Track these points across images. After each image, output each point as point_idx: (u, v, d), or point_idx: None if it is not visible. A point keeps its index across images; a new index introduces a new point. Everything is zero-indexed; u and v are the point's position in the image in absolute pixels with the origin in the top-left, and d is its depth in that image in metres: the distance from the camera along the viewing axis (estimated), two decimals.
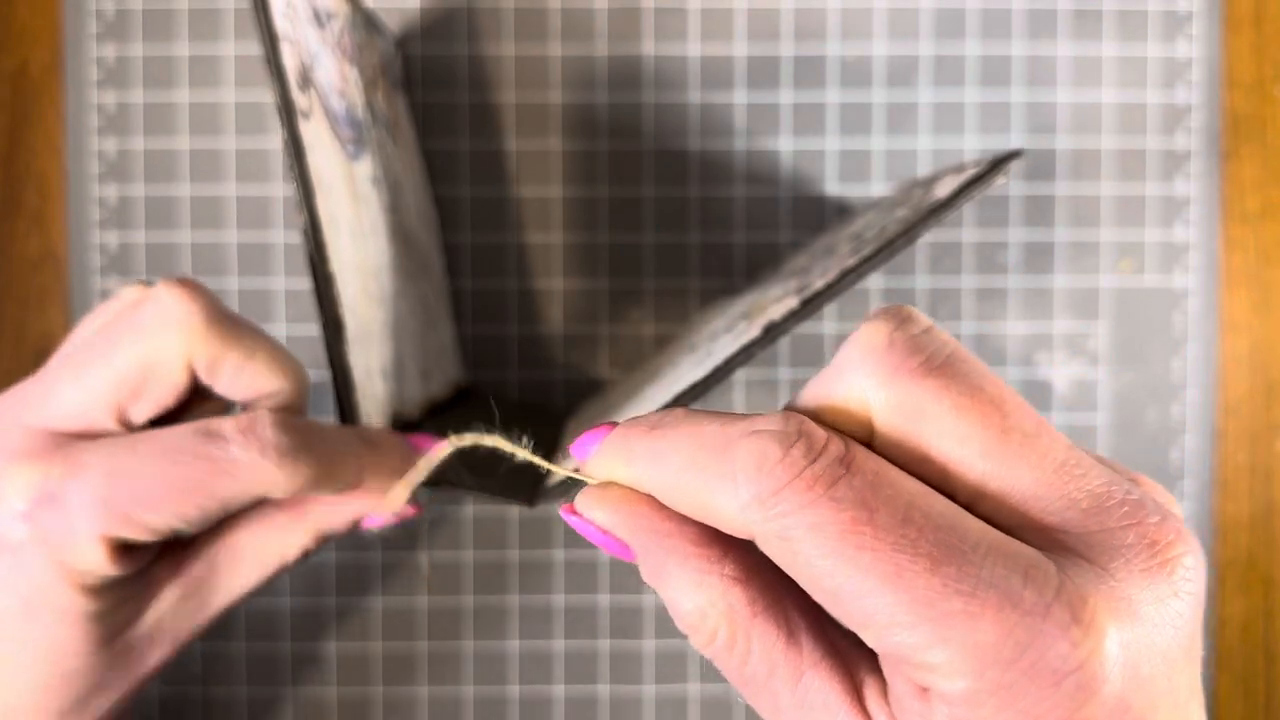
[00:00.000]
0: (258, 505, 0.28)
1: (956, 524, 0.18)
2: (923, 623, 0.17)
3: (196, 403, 0.30)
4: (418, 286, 0.39)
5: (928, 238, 0.47)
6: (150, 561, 0.28)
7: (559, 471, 0.25)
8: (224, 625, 0.47)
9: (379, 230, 0.35)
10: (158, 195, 0.46)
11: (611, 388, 0.45)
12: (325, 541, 0.30)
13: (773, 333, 0.28)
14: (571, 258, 0.47)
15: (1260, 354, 0.47)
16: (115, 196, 0.46)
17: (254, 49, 0.46)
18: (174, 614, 0.29)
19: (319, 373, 0.46)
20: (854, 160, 0.46)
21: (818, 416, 0.20)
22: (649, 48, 0.46)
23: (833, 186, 0.46)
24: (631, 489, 0.21)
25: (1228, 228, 0.47)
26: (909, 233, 0.29)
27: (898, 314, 0.21)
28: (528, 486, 0.33)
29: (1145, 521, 0.18)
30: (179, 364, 0.27)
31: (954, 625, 0.17)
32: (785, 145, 0.46)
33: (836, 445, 0.19)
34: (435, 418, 0.37)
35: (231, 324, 0.29)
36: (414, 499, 0.30)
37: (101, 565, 0.26)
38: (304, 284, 0.46)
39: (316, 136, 0.30)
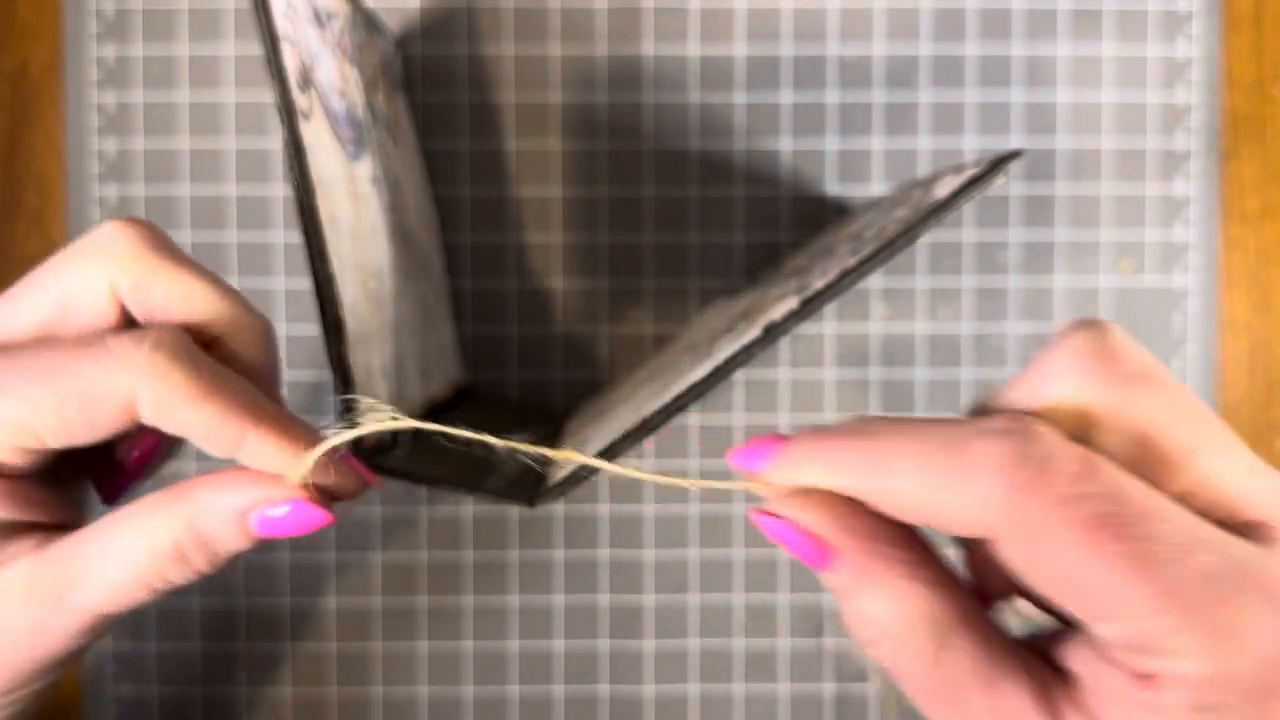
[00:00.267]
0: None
1: (1186, 517, 0.20)
2: (1170, 610, 0.18)
3: None
4: (418, 287, 0.39)
5: (927, 238, 0.47)
6: (10, 526, 0.25)
7: (615, 470, 0.25)
8: (225, 627, 0.47)
9: (379, 230, 0.35)
10: (158, 195, 0.46)
11: (611, 388, 0.45)
12: (211, 550, 0.25)
13: (773, 333, 0.28)
14: (571, 258, 0.47)
15: (1260, 354, 0.47)
16: (115, 196, 0.46)
17: (254, 49, 0.46)
18: (27, 600, 0.24)
19: (320, 373, 0.46)
20: (854, 160, 0.47)
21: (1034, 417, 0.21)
22: (649, 48, 0.46)
23: (832, 187, 0.47)
24: (832, 494, 0.21)
25: (1227, 228, 0.47)
26: (909, 233, 0.29)
27: (1100, 324, 0.22)
28: (528, 487, 0.33)
29: None
30: (101, 287, 0.26)
31: (1202, 610, 0.18)
32: (785, 145, 0.46)
33: (1076, 444, 0.20)
34: (436, 418, 0.37)
35: (168, 254, 0.26)
36: (324, 500, 0.25)
37: None
38: (304, 284, 0.46)
39: (317, 137, 0.30)
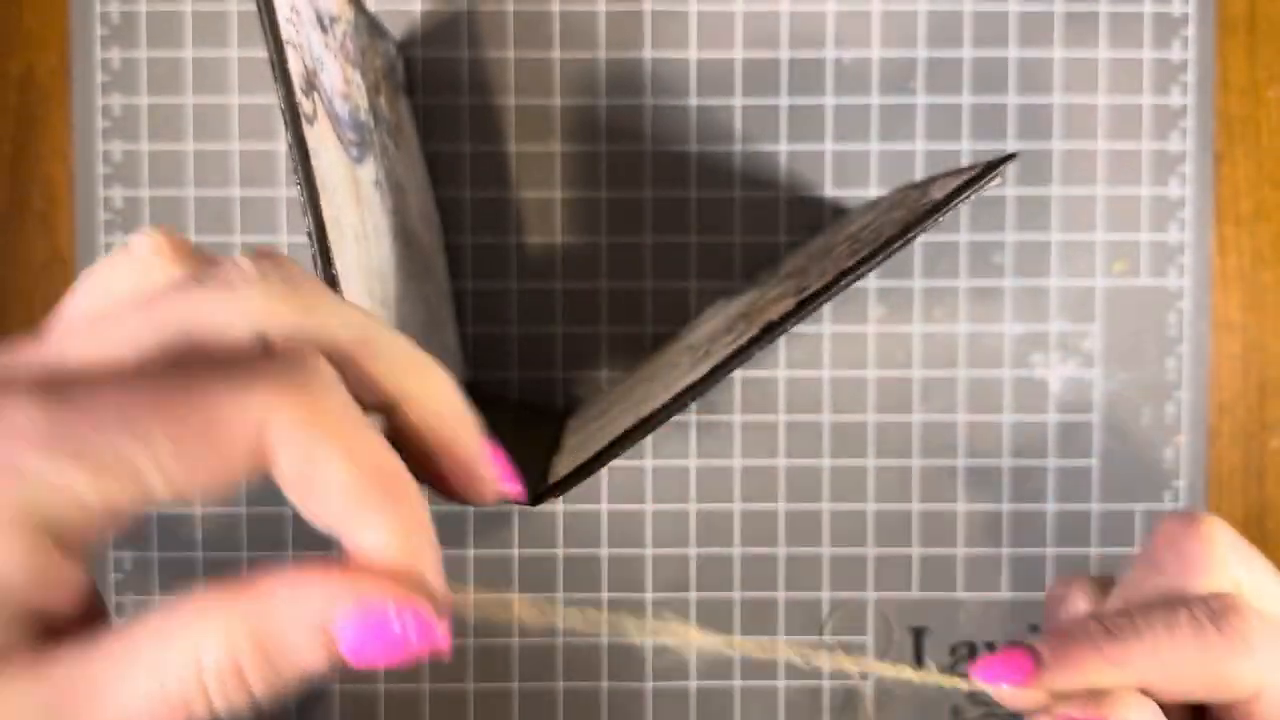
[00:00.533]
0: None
1: None
2: None
3: None
4: (421, 288, 0.40)
5: (924, 239, 0.47)
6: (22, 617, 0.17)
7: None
8: None
9: (382, 232, 0.35)
10: (163, 197, 0.46)
11: (611, 387, 0.46)
12: (275, 669, 0.17)
13: (771, 333, 0.29)
14: (572, 258, 0.47)
15: (1254, 354, 0.48)
16: (121, 199, 0.46)
17: (258, 52, 0.46)
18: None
19: None
20: (851, 163, 0.47)
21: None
22: (648, 52, 0.47)
23: (830, 189, 0.47)
24: (1124, 688, 0.24)
25: (1221, 229, 0.47)
26: (905, 234, 0.29)
27: (1213, 518, 0.26)
28: (529, 484, 0.33)
29: None
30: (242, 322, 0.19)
31: None
32: (783, 148, 0.47)
33: None
34: None
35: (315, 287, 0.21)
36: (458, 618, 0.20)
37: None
38: None
39: (321, 140, 0.30)
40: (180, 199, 0.46)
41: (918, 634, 0.48)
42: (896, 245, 0.29)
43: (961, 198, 0.30)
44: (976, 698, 0.48)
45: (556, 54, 0.47)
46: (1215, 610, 0.23)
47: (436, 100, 0.47)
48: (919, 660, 0.48)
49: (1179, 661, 0.23)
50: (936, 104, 0.47)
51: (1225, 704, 0.24)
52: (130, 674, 0.16)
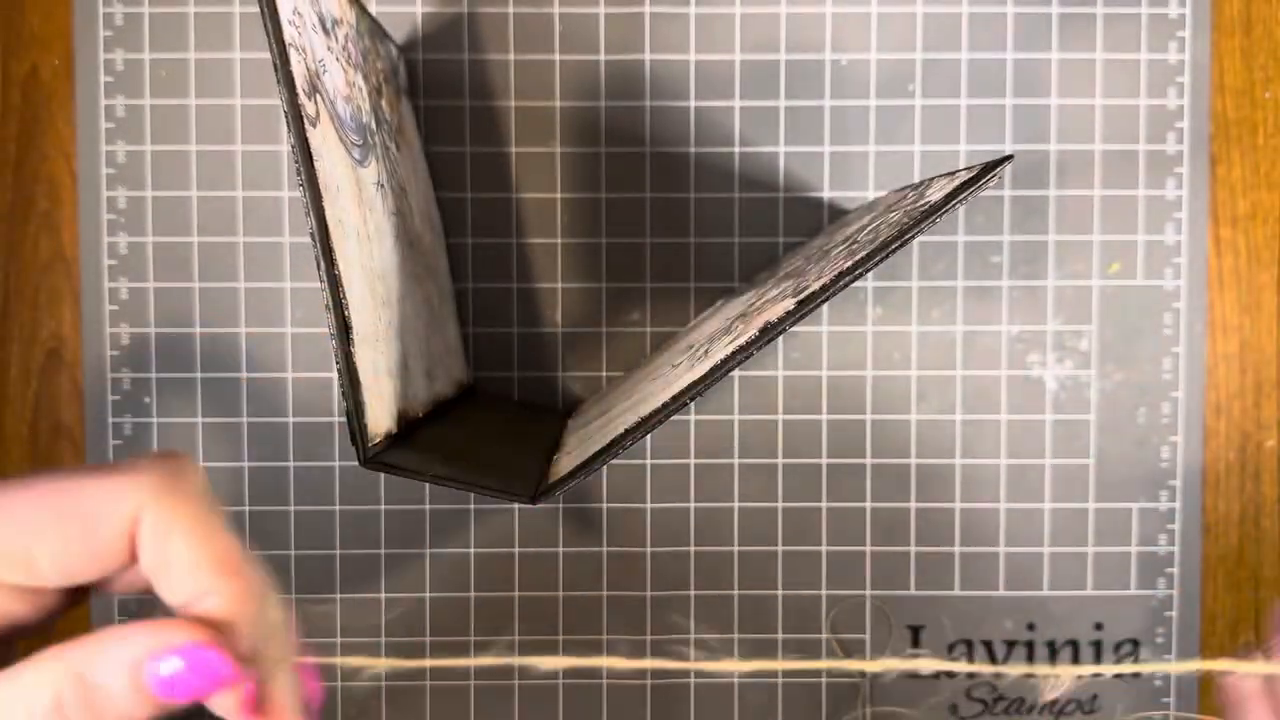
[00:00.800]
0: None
1: None
2: None
3: None
4: (423, 288, 0.40)
5: (921, 239, 0.47)
6: None
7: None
8: None
9: (384, 233, 0.35)
10: (167, 198, 0.47)
11: (612, 387, 0.46)
12: (96, 712, 0.20)
13: (770, 333, 0.29)
14: (572, 259, 0.47)
15: (1249, 354, 0.48)
16: (125, 200, 0.47)
17: (261, 54, 0.47)
18: None
19: (327, 373, 0.47)
20: (849, 164, 0.47)
21: None
22: (648, 54, 0.47)
23: (828, 190, 0.47)
24: None
25: (1217, 230, 0.48)
26: (903, 235, 0.29)
27: None
28: (529, 483, 0.34)
29: None
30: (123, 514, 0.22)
31: None
32: (781, 149, 0.47)
33: None
34: (439, 416, 0.38)
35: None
36: (240, 662, 0.21)
37: None
38: (311, 285, 0.47)
39: (324, 142, 0.31)
40: (183, 199, 0.47)
41: (915, 631, 0.48)
42: (894, 246, 0.29)
43: (959, 199, 0.30)
44: (974, 695, 0.48)
45: (557, 56, 0.47)
46: None
47: (438, 102, 0.47)
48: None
49: None
50: (934, 106, 0.47)
51: None
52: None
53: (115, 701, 0.20)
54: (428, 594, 0.48)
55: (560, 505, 0.48)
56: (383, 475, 0.47)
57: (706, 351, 0.33)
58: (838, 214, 0.47)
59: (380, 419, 0.31)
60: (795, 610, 0.48)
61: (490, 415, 0.43)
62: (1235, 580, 0.48)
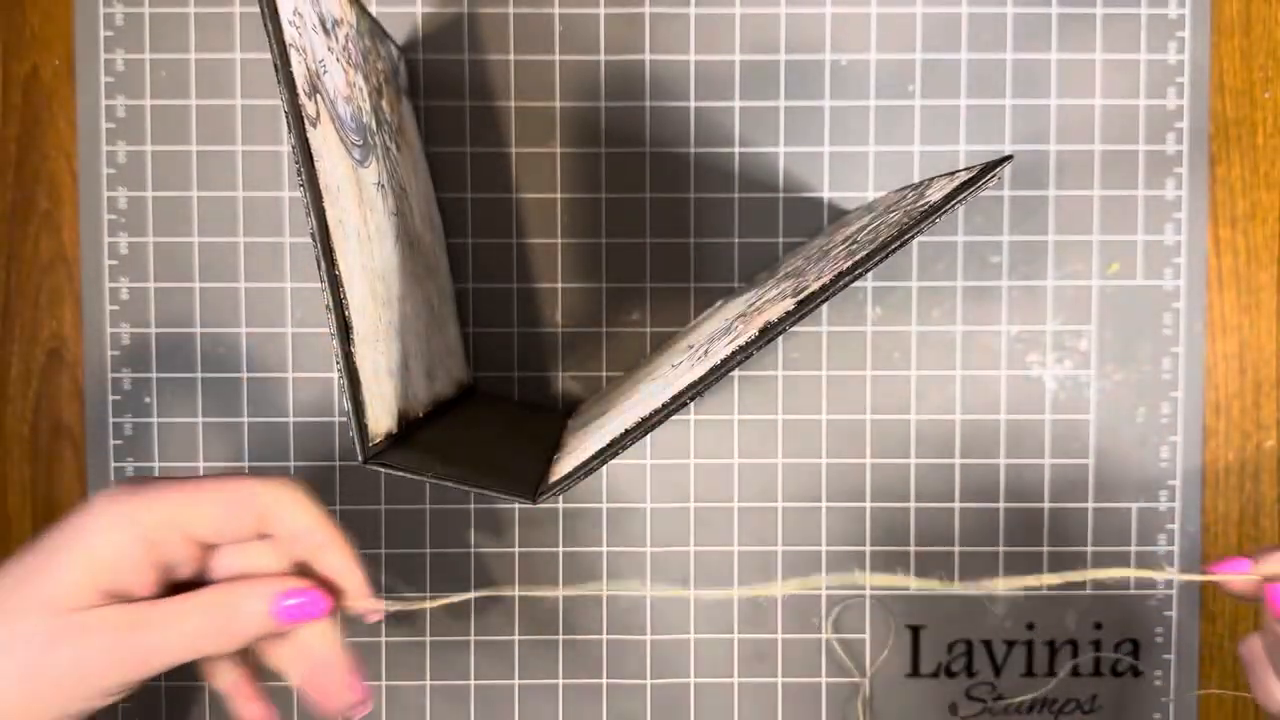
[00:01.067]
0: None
1: None
2: None
3: None
4: (423, 288, 0.40)
5: (921, 239, 0.47)
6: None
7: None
8: None
9: (385, 233, 0.35)
10: (167, 199, 0.47)
11: (612, 387, 0.46)
12: (240, 627, 0.32)
13: (769, 333, 0.29)
14: (572, 259, 0.47)
15: (1249, 354, 0.48)
16: (126, 200, 0.47)
17: (262, 54, 0.47)
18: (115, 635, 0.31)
19: (328, 372, 0.47)
20: (848, 164, 0.47)
21: None
22: (648, 55, 0.47)
23: (828, 190, 0.47)
24: None
25: (1217, 230, 0.48)
26: (902, 235, 0.29)
27: None
28: (530, 483, 0.34)
29: None
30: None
31: None
32: (781, 150, 0.47)
33: None
34: (439, 416, 0.38)
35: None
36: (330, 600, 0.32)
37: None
38: (312, 285, 0.47)
39: (324, 142, 0.31)
40: (184, 200, 0.47)
41: (915, 631, 0.48)
42: (894, 246, 0.29)
43: (958, 199, 0.30)
44: (974, 695, 0.48)
45: (557, 56, 0.47)
46: None
47: (438, 102, 0.47)
48: (916, 659, 0.48)
49: None
50: (933, 106, 0.47)
51: None
52: (174, 630, 0.31)
53: (248, 624, 0.31)
54: (428, 593, 0.48)
55: (560, 505, 0.48)
56: (383, 475, 0.47)
57: (706, 351, 0.33)
58: (837, 214, 0.47)
59: (380, 419, 0.31)
60: (795, 610, 0.48)
61: (490, 415, 0.43)
62: None
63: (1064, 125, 0.47)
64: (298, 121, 0.29)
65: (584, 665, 0.48)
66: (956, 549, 0.48)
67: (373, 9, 0.47)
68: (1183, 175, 0.47)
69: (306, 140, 0.29)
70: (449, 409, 0.40)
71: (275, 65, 0.29)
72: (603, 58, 0.47)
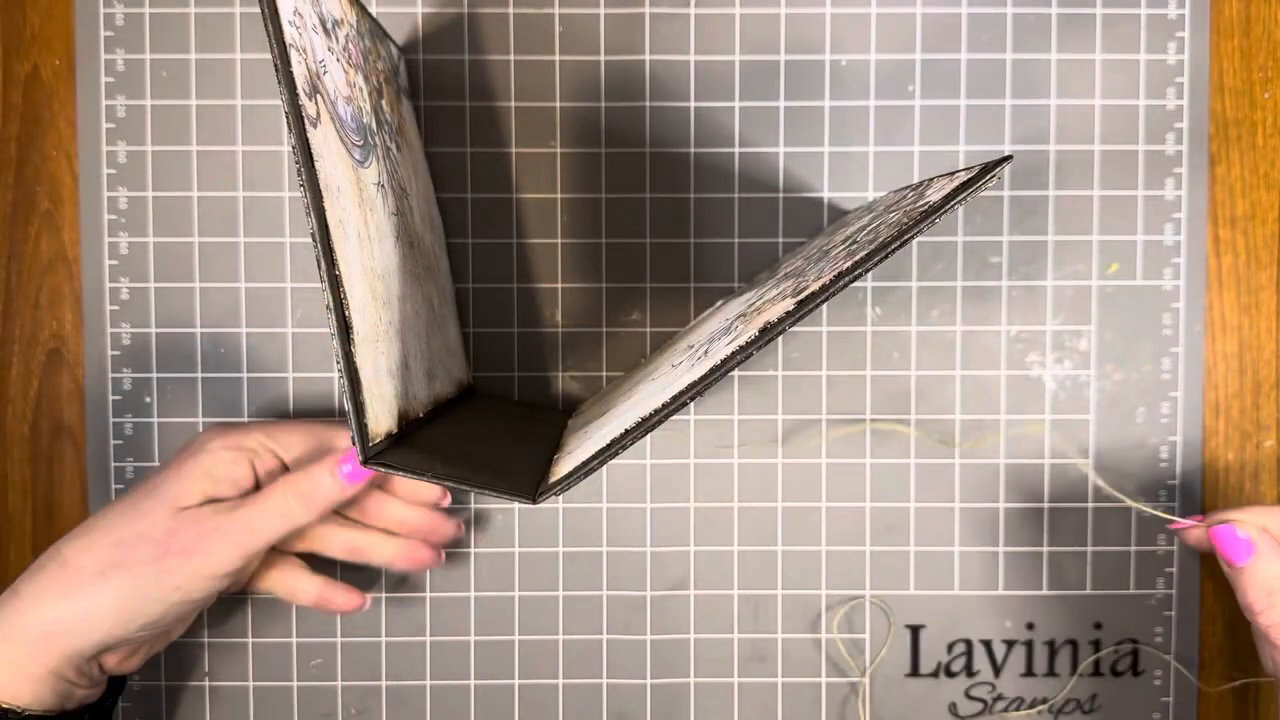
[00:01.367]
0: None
1: None
2: None
3: None
4: (423, 288, 0.40)
5: (921, 240, 0.47)
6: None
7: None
8: (231, 621, 0.48)
9: (385, 233, 0.35)
10: (168, 199, 0.47)
11: (612, 387, 0.46)
12: (320, 495, 0.40)
13: (769, 333, 0.29)
14: (572, 259, 0.48)
15: (1249, 354, 0.48)
16: (126, 200, 0.47)
17: (262, 55, 0.47)
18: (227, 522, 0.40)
19: (328, 372, 0.47)
20: (848, 164, 0.47)
21: None
22: (648, 55, 0.47)
23: (827, 190, 0.47)
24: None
25: (1216, 230, 0.48)
26: (902, 236, 0.29)
27: None
28: (530, 483, 0.34)
29: None
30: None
31: None
32: (781, 150, 0.47)
33: None
34: (440, 416, 0.38)
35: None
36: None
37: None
38: (312, 285, 0.47)
39: (325, 142, 0.31)
40: (184, 200, 0.47)
41: (915, 631, 0.48)
42: (894, 246, 0.29)
43: (958, 199, 0.30)
44: (974, 694, 0.48)
45: (557, 57, 0.47)
46: None
47: (439, 103, 0.47)
48: (916, 659, 0.48)
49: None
50: (933, 106, 0.47)
51: None
52: (269, 507, 0.39)
53: (323, 490, 0.40)
54: (428, 594, 0.48)
55: (560, 505, 0.48)
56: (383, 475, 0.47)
57: (706, 351, 0.33)
58: (837, 214, 0.47)
59: (381, 419, 0.31)
60: (795, 610, 0.48)
61: (490, 415, 0.43)
62: None
63: (1064, 125, 0.47)
64: (298, 121, 0.29)
65: (584, 665, 0.48)
66: (956, 549, 0.48)
67: (373, 9, 0.47)
68: (1182, 175, 0.47)
69: (307, 140, 0.29)
70: (449, 409, 0.40)
71: (275, 65, 0.29)
72: (603, 58, 0.47)
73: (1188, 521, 0.43)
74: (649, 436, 0.48)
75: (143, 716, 0.48)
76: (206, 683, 0.48)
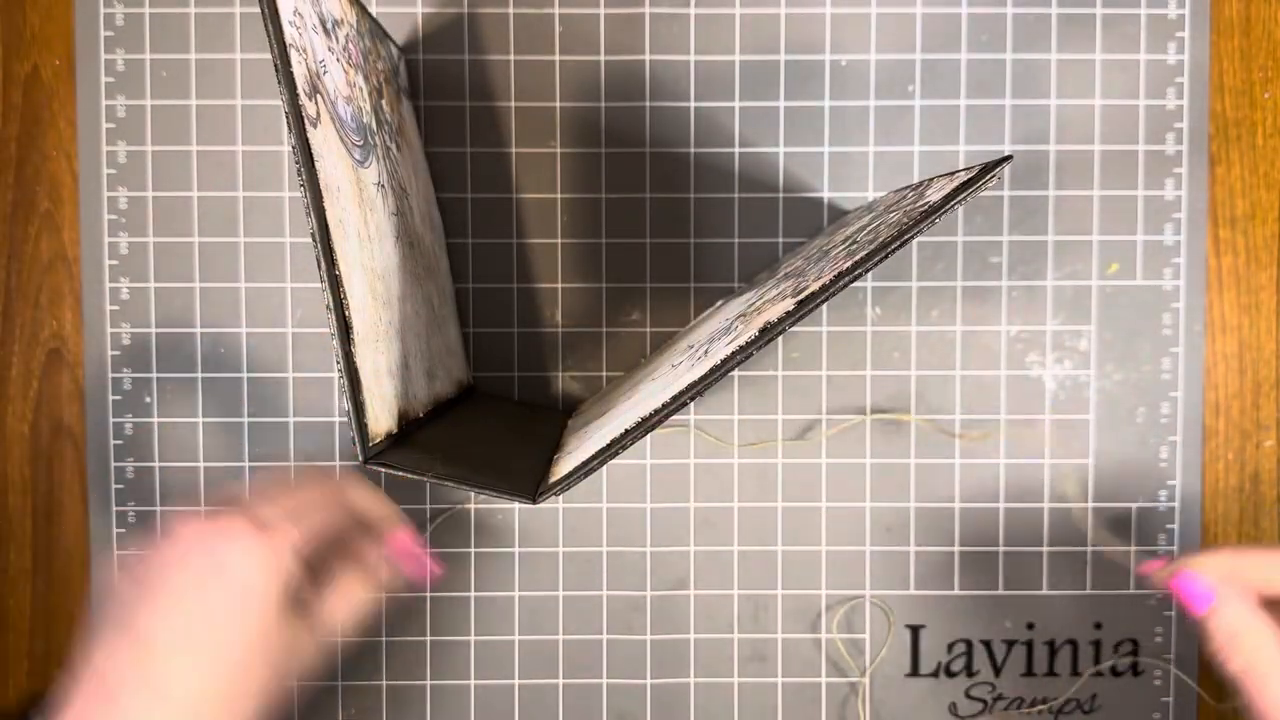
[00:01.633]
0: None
1: None
2: None
3: None
4: (423, 288, 0.40)
5: (921, 240, 0.47)
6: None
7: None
8: None
9: (385, 234, 0.35)
10: (168, 199, 0.47)
11: (612, 387, 0.46)
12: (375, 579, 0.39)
13: (769, 333, 0.29)
14: (572, 259, 0.47)
15: (1248, 354, 0.48)
16: (126, 200, 0.47)
17: (262, 55, 0.47)
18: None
19: (328, 371, 0.47)
20: (848, 164, 0.47)
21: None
22: (648, 55, 0.47)
23: (827, 190, 0.47)
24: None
25: (1216, 230, 0.48)
26: (902, 236, 0.29)
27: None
28: (530, 483, 0.34)
29: None
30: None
31: None
32: (781, 150, 0.47)
33: None
34: (440, 416, 0.38)
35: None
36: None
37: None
38: (312, 285, 0.47)
39: (325, 142, 0.31)
40: (184, 200, 0.47)
41: (915, 631, 0.48)
42: (894, 246, 0.29)
43: (958, 199, 0.30)
44: (974, 694, 0.48)
45: (557, 57, 0.47)
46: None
47: (438, 103, 0.47)
48: (916, 659, 0.48)
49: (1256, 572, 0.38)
50: (933, 106, 0.47)
51: None
52: (337, 610, 0.38)
53: (391, 578, 0.40)
54: (428, 594, 0.48)
55: (560, 505, 0.48)
56: (383, 474, 0.47)
57: (706, 351, 0.34)
58: (837, 214, 0.47)
59: (381, 419, 0.31)
60: (795, 610, 0.48)
61: (490, 415, 0.43)
62: None
63: (1064, 125, 0.47)
64: (298, 121, 0.29)
65: (584, 665, 0.48)
66: (956, 549, 0.48)
67: (373, 9, 0.47)
68: (1182, 175, 0.47)
69: (307, 140, 0.29)
70: (449, 409, 0.40)
71: (276, 65, 0.29)
72: (603, 58, 0.47)
73: (1157, 564, 0.42)
74: (649, 436, 0.48)
75: None
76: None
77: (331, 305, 0.29)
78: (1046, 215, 0.47)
